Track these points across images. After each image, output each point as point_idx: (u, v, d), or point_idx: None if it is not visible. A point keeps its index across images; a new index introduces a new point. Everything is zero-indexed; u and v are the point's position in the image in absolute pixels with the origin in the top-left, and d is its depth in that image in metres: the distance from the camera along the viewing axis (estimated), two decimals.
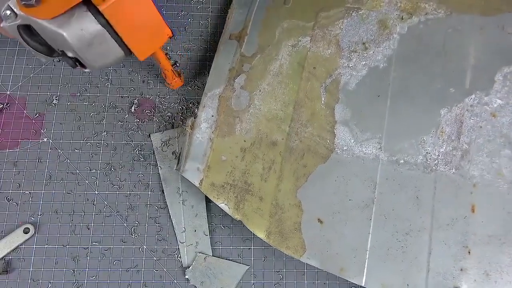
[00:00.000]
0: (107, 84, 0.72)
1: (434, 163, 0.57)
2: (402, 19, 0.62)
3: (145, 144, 0.70)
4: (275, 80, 0.61)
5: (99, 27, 0.44)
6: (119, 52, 0.48)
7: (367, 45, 0.61)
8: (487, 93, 0.59)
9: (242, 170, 0.58)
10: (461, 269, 0.54)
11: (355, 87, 0.60)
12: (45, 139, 0.69)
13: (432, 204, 0.56)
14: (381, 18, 0.63)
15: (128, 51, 0.49)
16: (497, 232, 0.55)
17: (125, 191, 0.68)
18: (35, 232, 0.65)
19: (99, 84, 0.72)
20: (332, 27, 0.62)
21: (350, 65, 0.61)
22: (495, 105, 0.58)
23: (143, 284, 0.64)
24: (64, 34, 0.43)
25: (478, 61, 0.60)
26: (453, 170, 0.57)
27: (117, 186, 0.68)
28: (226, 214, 0.66)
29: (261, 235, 0.56)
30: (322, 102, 0.60)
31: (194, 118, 0.60)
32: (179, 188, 0.67)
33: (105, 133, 0.70)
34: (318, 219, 0.57)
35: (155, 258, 0.65)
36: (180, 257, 0.65)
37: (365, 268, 0.55)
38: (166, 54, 0.58)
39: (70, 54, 0.47)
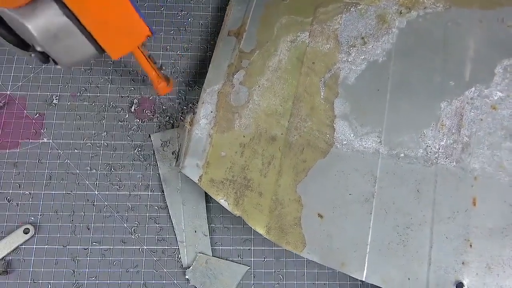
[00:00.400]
0: (107, 84, 0.72)
1: (434, 156, 0.56)
2: (401, 13, 0.62)
3: (145, 144, 0.70)
4: (274, 76, 0.61)
5: (64, 19, 0.41)
6: (89, 48, 0.45)
7: (366, 39, 0.61)
8: (487, 86, 0.58)
9: (241, 166, 0.58)
10: (463, 263, 0.54)
11: (354, 81, 0.60)
12: (45, 139, 0.69)
13: (433, 197, 0.55)
14: (380, 13, 0.62)
15: (100, 49, 0.45)
16: (498, 225, 0.54)
17: (125, 191, 0.68)
18: (35, 233, 0.65)
19: (99, 84, 0.72)
20: (331, 22, 0.62)
21: (349, 60, 0.60)
22: (496, 98, 0.58)
23: (143, 285, 0.64)
24: (28, 25, 0.41)
25: (477, 54, 0.60)
26: (454, 163, 0.56)
27: (117, 187, 0.68)
28: (226, 215, 0.67)
29: (261, 230, 0.56)
30: (322, 96, 0.59)
31: (193, 114, 0.60)
32: (179, 188, 0.67)
33: (105, 133, 0.70)
34: (318, 214, 0.56)
35: (155, 259, 0.65)
36: (180, 258, 0.65)
37: (366, 263, 0.54)
38: (150, 56, 0.56)
39: (38, 48, 0.44)
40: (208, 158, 0.59)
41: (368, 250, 0.55)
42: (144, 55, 0.54)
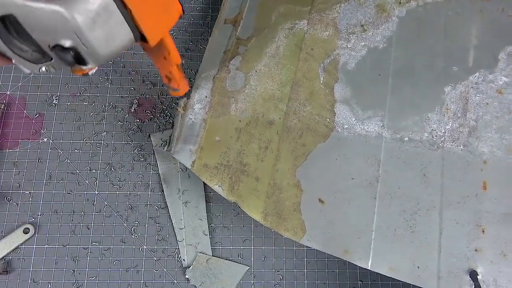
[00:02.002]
0: (107, 84, 0.71)
1: (440, 140, 0.53)
2: (400, 3, 0.61)
3: (145, 144, 0.69)
4: (272, 61, 0.58)
5: None
6: (127, 33, 0.39)
7: (365, 27, 0.59)
8: (492, 71, 0.56)
9: (237, 151, 0.54)
10: (476, 250, 0.49)
11: (354, 66, 0.58)
12: (45, 139, 0.69)
13: (441, 181, 0.52)
14: (378, 3, 0.61)
15: (137, 33, 0.40)
16: None
17: (125, 191, 0.67)
18: (35, 232, 0.64)
19: (99, 84, 0.72)
20: (329, 11, 0.61)
21: (349, 46, 0.59)
22: (501, 83, 0.55)
23: (143, 284, 0.63)
24: (67, 11, 0.35)
25: (480, 41, 0.59)
26: (461, 147, 0.53)
27: (117, 186, 0.67)
28: (226, 215, 0.66)
29: (257, 217, 0.52)
30: (321, 81, 0.57)
31: (187, 99, 0.56)
32: (179, 188, 0.66)
33: (105, 133, 0.69)
34: (319, 199, 0.52)
35: (155, 258, 0.64)
36: (180, 257, 0.64)
37: (371, 250, 0.50)
38: None
39: (67, 44, 0.38)
40: (202, 143, 0.55)
41: (373, 236, 0.51)
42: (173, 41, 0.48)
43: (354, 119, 0.56)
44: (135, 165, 0.68)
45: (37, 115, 0.69)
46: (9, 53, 0.39)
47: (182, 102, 0.58)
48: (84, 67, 0.40)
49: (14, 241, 0.62)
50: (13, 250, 0.62)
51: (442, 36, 0.59)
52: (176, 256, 0.64)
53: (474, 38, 0.59)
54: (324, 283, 0.63)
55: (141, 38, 0.40)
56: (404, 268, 0.50)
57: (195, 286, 0.62)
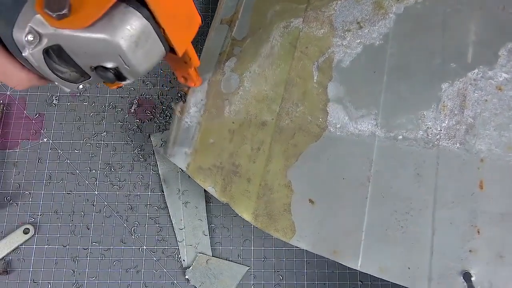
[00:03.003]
0: None
1: (436, 138, 0.53)
2: (398, 0, 0.60)
3: (145, 144, 0.71)
4: (266, 62, 0.59)
5: (144, 21, 0.39)
6: (161, 49, 0.43)
7: (361, 24, 0.60)
8: (491, 68, 0.56)
9: (230, 152, 0.56)
10: (470, 251, 0.49)
11: (349, 64, 0.58)
12: (45, 139, 0.70)
13: (434, 181, 0.52)
14: (376, 0, 0.60)
15: (168, 47, 0.44)
16: (510, 210, 0.50)
17: (125, 191, 0.69)
18: (35, 233, 0.66)
19: (99, 84, 0.73)
20: (326, 8, 0.61)
21: (344, 44, 0.59)
22: (501, 79, 0.55)
23: (143, 284, 0.64)
24: (112, 38, 0.38)
25: (479, 37, 0.58)
26: (458, 145, 0.53)
27: (117, 187, 0.69)
28: (226, 215, 0.67)
29: (248, 217, 0.53)
30: (314, 80, 0.58)
31: (183, 103, 0.58)
32: (179, 188, 0.67)
33: (105, 133, 0.71)
34: (309, 200, 0.53)
35: (155, 259, 0.66)
36: (180, 258, 0.65)
37: (361, 250, 0.50)
38: None
39: (110, 65, 0.42)
40: (197, 145, 0.57)
41: (363, 237, 0.51)
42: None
43: (347, 118, 0.56)
44: (135, 165, 0.69)
45: (37, 115, 0.71)
46: (51, 76, 0.43)
47: (178, 106, 0.59)
48: (122, 83, 0.45)
49: (14, 242, 0.64)
50: (13, 251, 0.64)
51: (440, 32, 0.59)
52: (176, 256, 0.65)
53: (473, 35, 0.58)
54: (324, 283, 0.63)
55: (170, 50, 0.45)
56: (395, 269, 0.50)
57: (195, 287, 0.63)
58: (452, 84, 0.56)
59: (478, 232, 0.50)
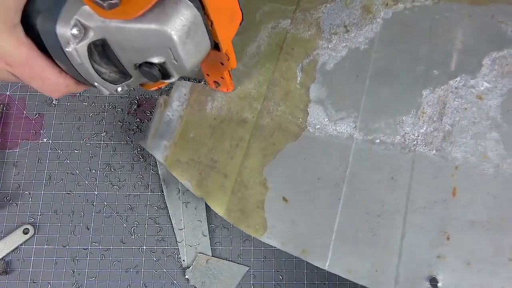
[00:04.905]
0: None
1: (413, 143, 0.56)
2: (387, 5, 0.64)
3: (143, 140, 0.72)
4: (252, 61, 0.63)
5: (195, 11, 0.39)
6: (208, 43, 0.43)
7: (348, 28, 0.63)
8: (474, 76, 0.58)
9: (209, 147, 0.59)
10: (438, 256, 0.52)
11: (333, 67, 0.61)
12: (45, 140, 0.73)
13: (408, 185, 0.54)
14: (365, 4, 0.64)
15: (213, 42, 0.45)
16: (481, 218, 0.53)
17: (125, 191, 0.71)
18: (34, 233, 0.68)
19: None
20: (314, 10, 0.65)
21: (330, 46, 0.62)
22: (482, 88, 0.58)
23: (142, 285, 0.66)
24: (165, 28, 0.38)
25: (465, 46, 0.61)
26: (434, 151, 0.55)
27: (117, 187, 0.71)
28: None
29: (220, 212, 0.56)
30: (298, 81, 0.61)
31: (167, 96, 0.61)
32: (179, 188, 0.69)
33: (104, 133, 0.74)
34: (283, 198, 0.56)
35: (154, 259, 0.68)
36: (180, 258, 0.67)
37: (330, 251, 0.53)
38: None
39: (157, 61, 0.42)
40: (176, 139, 0.60)
41: (333, 237, 0.54)
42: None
43: (326, 119, 0.59)
44: (134, 165, 0.72)
45: (37, 115, 0.74)
46: (92, 75, 0.42)
47: (162, 99, 0.63)
48: (166, 81, 0.45)
49: (13, 242, 0.66)
50: (13, 251, 0.67)
51: (426, 39, 0.62)
52: (176, 256, 0.67)
53: (460, 43, 0.61)
54: (324, 283, 0.65)
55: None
56: (362, 270, 0.52)
57: (195, 287, 0.65)
58: (433, 91, 0.59)
59: (448, 238, 0.52)
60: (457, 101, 0.58)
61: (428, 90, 0.59)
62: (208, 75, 0.58)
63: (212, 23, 0.42)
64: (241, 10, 0.46)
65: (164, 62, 0.42)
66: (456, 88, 0.58)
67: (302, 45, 0.63)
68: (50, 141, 0.73)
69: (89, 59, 0.40)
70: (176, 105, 0.62)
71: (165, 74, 0.44)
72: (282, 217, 0.56)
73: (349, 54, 0.62)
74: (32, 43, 0.40)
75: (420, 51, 0.61)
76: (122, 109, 0.75)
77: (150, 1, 0.36)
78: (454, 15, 0.63)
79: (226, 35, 0.46)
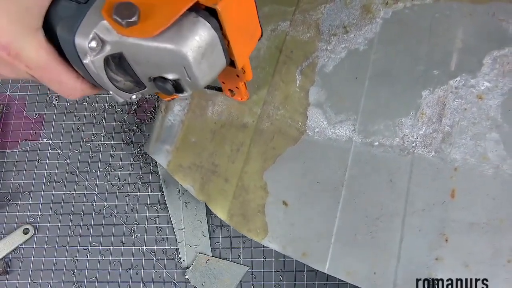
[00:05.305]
0: None
1: (411, 145, 0.56)
2: (387, 4, 0.64)
3: (145, 144, 0.73)
4: (251, 65, 0.63)
5: (212, 32, 0.39)
6: (223, 61, 0.43)
7: (348, 28, 0.63)
8: (474, 76, 0.59)
9: (210, 152, 0.61)
10: (436, 259, 0.53)
11: (332, 69, 0.62)
12: (45, 140, 0.74)
13: (407, 188, 0.55)
14: (365, 3, 0.65)
15: (229, 59, 0.44)
16: (479, 220, 0.53)
17: (125, 191, 0.72)
18: (34, 233, 0.69)
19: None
20: (314, 11, 0.65)
21: (329, 48, 0.63)
22: (482, 88, 0.58)
23: (142, 285, 0.67)
24: (180, 49, 0.38)
25: (465, 45, 0.61)
26: (433, 153, 0.56)
27: (117, 187, 0.72)
28: None
29: (223, 216, 0.58)
30: (297, 84, 0.62)
31: (168, 101, 0.63)
32: (179, 188, 0.70)
33: (104, 133, 0.75)
34: (283, 202, 0.57)
35: (154, 259, 0.69)
36: (180, 258, 0.68)
37: (329, 254, 0.55)
38: None
39: (171, 77, 0.42)
40: (178, 143, 0.61)
41: (332, 240, 0.55)
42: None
43: (326, 123, 0.60)
44: (134, 165, 0.73)
45: (37, 115, 0.75)
46: (107, 85, 0.43)
47: (163, 104, 0.64)
48: (180, 95, 0.46)
49: (13, 242, 0.68)
50: (12, 251, 0.67)
51: (426, 38, 0.62)
52: (176, 256, 0.69)
53: (460, 41, 0.61)
54: (324, 283, 0.67)
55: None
56: (361, 273, 0.54)
57: (195, 287, 0.67)
58: (432, 92, 0.59)
59: (446, 240, 0.53)
60: (457, 101, 0.58)
61: (427, 90, 0.59)
62: (223, 83, 0.58)
63: (229, 42, 0.42)
64: (260, 26, 0.46)
65: (178, 79, 0.43)
66: (456, 88, 0.59)
67: (302, 48, 0.64)
68: (50, 141, 0.73)
69: (105, 69, 0.41)
70: (177, 110, 0.64)
71: (179, 89, 0.44)
72: (282, 221, 0.57)
73: (348, 55, 0.63)
74: (52, 47, 0.41)
75: (419, 51, 0.61)
76: (122, 109, 0.76)
77: (167, 22, 0.37)
78: (454, 13, 0.63)
79: (243, 53, 0.45)
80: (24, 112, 0.75)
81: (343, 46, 0.63)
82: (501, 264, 0.52)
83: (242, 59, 0.46)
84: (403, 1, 0.64)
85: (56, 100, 0.76)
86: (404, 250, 0.54)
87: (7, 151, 0.73)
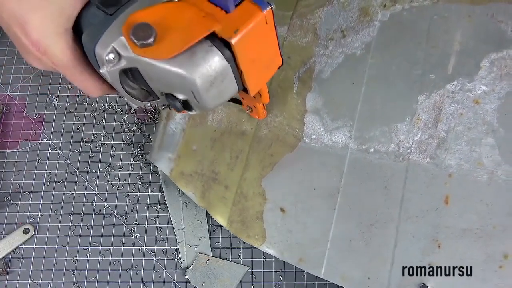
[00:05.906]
0: None
1: (407, 151, 0.58)
2: (385, 6, 0.65)
3: (145, 144, 0.75)
4: None
5: (224, 62, 0.40)
6: (235, 88, 0.45)
7: (345, 32, 0.64)
8: (471, 80, 0.59)
9: (210, 159, 0.63)
10: (429, 264, 0.54)
11: (329, 75, 0.63)
12: (45, 140, 0.75)
13: (401, 194, 0.57)
14: (363, 6, 0.65)
15: (242, 86, 0.45)
16: (473, 226, 0.55)
17: (125, 191, 0.73)
18: (34, 233, 0.70)
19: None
20: (311, 15, 0.66)
21: (326, 53, 0.64)
22: (479, 92, 0.58)
23: (143, 285, 0.68)
24: (190, 75, 0.40)
25: (463, 47, 0.61)
26: (428, 159, 0.57)
27: (117, 187, 0.73)
28: None
29: (223, 223, 0.60)
30: (294, 91, 0.63)
31: (169, 109, 0.65)
32: (179, 188, 0.71)
33: (104, 133, 0.76)
34: (281, 208, 0.59)
35: (154, 259, 0.70)
36: (180, 258, 0.69)
37: (325, 259, 0.57)
38: None
39: (180, 97, 0.44)
40: (180, 151, 0.64)
41: (328, 246, 0.57)
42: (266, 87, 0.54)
43: (322, 129, 0.62)
44: (134, 165, 0.74)
45: (37, 115, 0.76)
46: (122, 92, 0.46)
47: (165, 112, 0.67)
48: (189, 112, 0.47)
49: (14, 242, 0.68)
50: (13, 251, 0.68)
51: (423, 41, 0.62)
52: (176, 256, 0.70)
53: (458, 44, 0.61)
54: (324, 283, 0.67)
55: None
56: (355, 278, 0.56)
57: (195, 287, 0.68)
58: (429, 97, 0.60)
59: (439, 246, 0.55)
60: (453, 106, 0.59)
61: (423, 95, 0.60)
62: (243, 98, 0.60)
63: (242, 72, 0.43)
64: (281, 56, 0.47)
65: (187, 99, 0.44)
66: (452, 92, 0.59)
67: (299, 53, 0.65)
68: (50, 141, 0.74)
69: (121, 78, 0.44)
70: (178, 118, 0.66)
71: (188, 107, 0.46)
72: (280, 227, 0.60)
73: (345, 60, 0.64)
74: (77, 48, 0.45)
75: (417, 55, 0.62)
76: (122, 109, 0.76)
77: (182, 47, 0.38)
78: (453, 15, 0.63)
79: (257, 82, 0.46)
80: (24, 112, 0.76)
81: (340, 51, 0.64)
82: (493, 270, 0.53)
83: (255, 87, 0.47)
84: (401, 2, 0.65)
85: (56, 100, 0.77)
86: (398, 255, 0.56)
87: (7, 151, 0.74)
